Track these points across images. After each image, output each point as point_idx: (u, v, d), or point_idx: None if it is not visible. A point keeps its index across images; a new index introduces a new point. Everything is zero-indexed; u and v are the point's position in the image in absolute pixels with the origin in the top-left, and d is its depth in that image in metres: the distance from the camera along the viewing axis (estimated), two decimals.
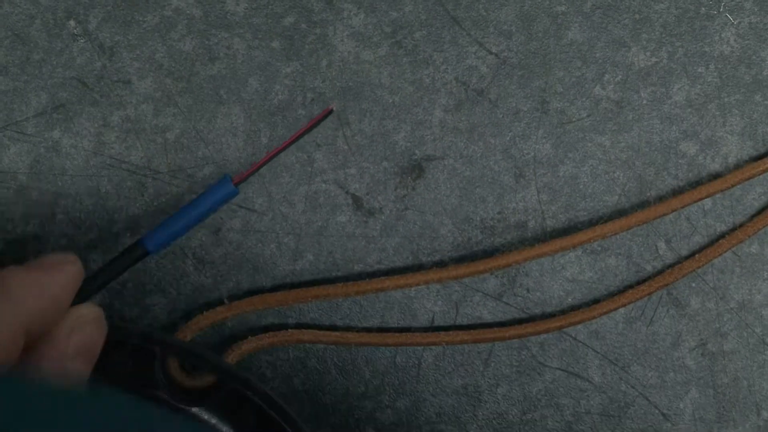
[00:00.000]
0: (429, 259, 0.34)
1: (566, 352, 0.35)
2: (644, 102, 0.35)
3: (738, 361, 0.35)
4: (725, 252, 0.34)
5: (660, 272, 0.35)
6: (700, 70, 0.35)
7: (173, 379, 0.32)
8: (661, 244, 0.35)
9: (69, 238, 0.34)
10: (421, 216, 0.34)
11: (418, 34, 0.34)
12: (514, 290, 0.35)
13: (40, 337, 0.28)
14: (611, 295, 0.35)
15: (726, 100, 0.35)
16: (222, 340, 0.34)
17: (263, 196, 0.34)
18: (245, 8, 0.34)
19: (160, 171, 0.34)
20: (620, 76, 0.35)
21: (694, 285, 0.35)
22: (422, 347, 0.35)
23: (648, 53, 0.35)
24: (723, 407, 0.35)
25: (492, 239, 0.34)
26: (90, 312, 0.29)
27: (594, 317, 0.34)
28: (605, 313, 0.34)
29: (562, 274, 0.35)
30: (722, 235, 0.35)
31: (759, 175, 0.34)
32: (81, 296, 0.30)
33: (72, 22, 0.34)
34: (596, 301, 0.35)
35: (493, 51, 0.34)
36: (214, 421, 0.32)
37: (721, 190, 0.34)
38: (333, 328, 0.34)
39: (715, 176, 0.35)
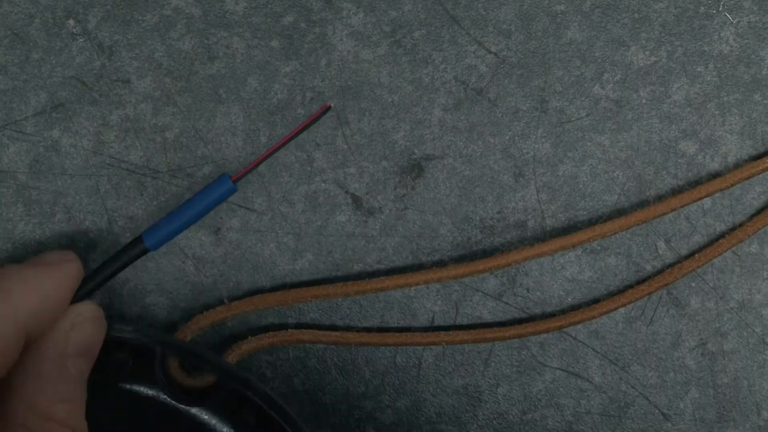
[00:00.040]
0: (429, 258, 0.34)
1: (566, 352, 0.35)
2: (643, 101, 0.35)
3: (738, 361, 0.35)
4: (725, 251, 0.34)
5: (660, 272, 0.35)
6: (699, 69, 0.35)
7: (173, 379, 0.32)
8: (661, 244, 0.35)
9: (69, 237, 0.33)
10: (420, 215, 0.34)
11: (417, 34, 0.34)
12: (514, 290, 0.35)
13: (39, 336, 0.28)
14: (611, 294, 0.35)
15: (725, 99, 0.35)
16: (222, 340, 0.34)
17: (263, 195, 0.34)
18: (244, 7, 0.34)
19: (160, 170, 0.34)
20: (619, 76, 0.35)
21: (694, 285, 0.35)
22: (422, 347, 0.35)
23: (647, 52, 0.35)
24: (723, 407, 0.35)
25: (492, 239, 0.34)
26: (89, 310, 0.29)
27: (594, 317, 0.34)
28: (605, 312, 0.34)
29: (561, 274, 0.35)
30: (722, 235, 0.35)
31: (758, 174, 0.34)
32: (80, 295, 0.30)
33: (71, 22, 0.34)
34: (596, 301, 0.35)
35: (493, 50, 0.34)
36: (214, 421, 0.32)
37: (721, 190, 0.34)
38: (333, 328, 0.34)
39: (715, 175, 0.35)
